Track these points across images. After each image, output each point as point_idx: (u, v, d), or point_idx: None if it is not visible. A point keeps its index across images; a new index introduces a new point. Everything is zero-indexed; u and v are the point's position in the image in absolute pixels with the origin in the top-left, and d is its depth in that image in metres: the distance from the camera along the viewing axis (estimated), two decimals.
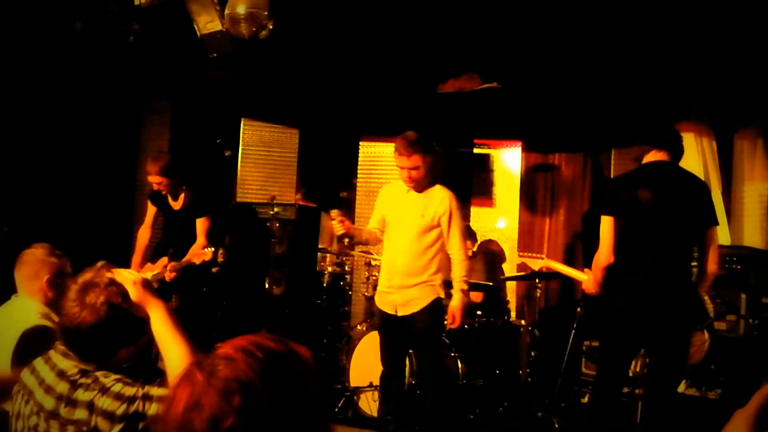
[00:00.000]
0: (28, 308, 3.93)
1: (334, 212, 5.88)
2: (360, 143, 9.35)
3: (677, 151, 5.18)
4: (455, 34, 7.35)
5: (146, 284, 2.83)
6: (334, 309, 8.52)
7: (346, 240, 5.99)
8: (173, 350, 2.72)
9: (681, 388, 5.95)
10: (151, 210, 7.70)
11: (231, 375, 1.58)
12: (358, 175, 9.31)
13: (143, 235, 7.67)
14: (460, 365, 7.01)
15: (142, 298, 2.78)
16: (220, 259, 7.60)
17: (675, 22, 6.58)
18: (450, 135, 9.16)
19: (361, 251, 8.10)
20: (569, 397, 7.39)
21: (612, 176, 8.52)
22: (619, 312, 5.08)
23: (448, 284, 6.01)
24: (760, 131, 7.37)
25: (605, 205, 5.17)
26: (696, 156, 7.53)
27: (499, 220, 9.25)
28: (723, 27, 6.47)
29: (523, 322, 7.74)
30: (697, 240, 5.08)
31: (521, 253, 7.09)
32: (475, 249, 8.08)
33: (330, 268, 8.35)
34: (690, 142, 7.27)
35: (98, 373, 2.66)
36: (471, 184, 9.51)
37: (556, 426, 6.92)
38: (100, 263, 2.87)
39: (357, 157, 9.36)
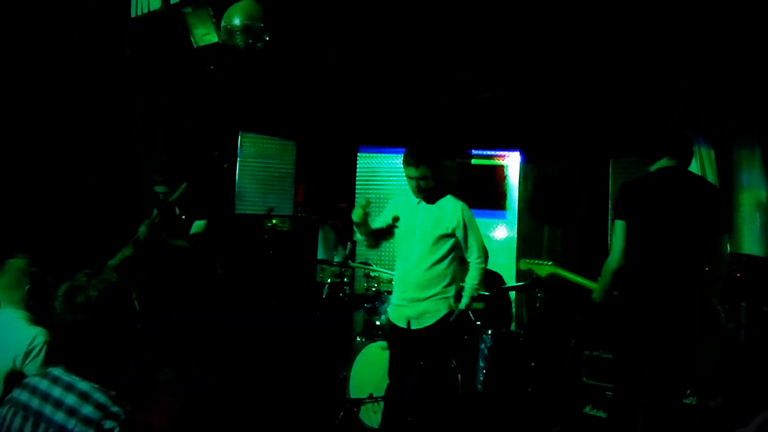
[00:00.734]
0: (18, 316, 3.98)
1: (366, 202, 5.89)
2: (358, 154, 9.34)
3: (688, 157, 5.18)
4: (452, 46, 7.36)
5: None
6: (333, 321, 8.49)
7: (363, 230, 5.92)
8: None
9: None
10: None
11: None
12: (357, 186, 9.30)
13: None
14: (459, 375, 6.99)
15: None
16: (218, 271, 7.59)
17: (673, 33, 6.59)
18: (448, 145, 9.15)
19: (360, 263, 8.08)
20: (570, 408, 7.35)
21: (610, 185, 8.51)
22: (631, 319, 5.07)
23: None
24: (758, 140, 7.36)
25: (618, 209, 5.15)
26: (695, 165, 7.52)
27: (498, 230, 9.23)
28: (721, 37, 6.47)
29: (522, 331, 7.71)
30: (708, 246, 5.06)
31: (527, 260, 7.00)
32: None
33: (329, 280, 8.32)
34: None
35: None
36: (470, 190, 9.51)
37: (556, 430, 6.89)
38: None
39: (355, 167, 9.35)
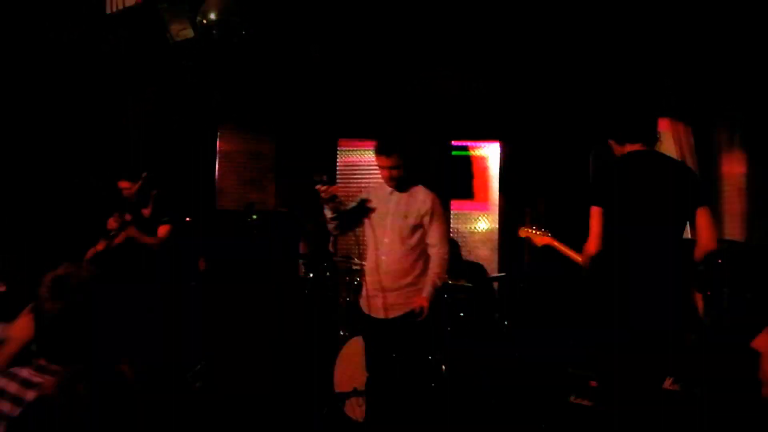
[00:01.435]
0: None
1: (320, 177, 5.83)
2: (338, 148, 9.32)
3: (655, 139, 5.18)
4: (431, 38, 7.36)
5: None
6: (316, 315, 8.46)
7: (331, 205, 5.87)
8: None
9: (665, 383, 5.93)
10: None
11: None
12: (337, 180, 9.27)
13: None
14: (443, 366, 6.98)
15: None
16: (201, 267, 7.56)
17: (652, 18, 6.59)
18: (427, 136, 9.14)
19: (342, 257, 8.06)
20: (555, 398, 7.36)
21: (591, 170, 8.52)
22: (611, 305, 5.08)
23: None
24: (738, 123, 7.38)
25: (592, 196, 5.15)
26: (674, 150, 7.53)
27: (480, 221, 9.23)
28: (700, 21, 6.48)
29: (506, 322, 7.71)
30: (690, 223, 5.06)
31: (524, 229, 6.83)
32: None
33: (311, 275, 8.29)
34: (668, 135, 7.28)
35: None
36: (450, 185, 9.50)
37: (543, 426, 6.89)
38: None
39: (335, 161, 9.33)
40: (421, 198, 5.93)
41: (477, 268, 8.40)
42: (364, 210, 6.12)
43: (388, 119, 9.18)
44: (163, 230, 7.28)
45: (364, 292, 6.17)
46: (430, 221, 5.90)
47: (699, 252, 4.99)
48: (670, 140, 7.41)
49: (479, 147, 9.37)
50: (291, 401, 7.31)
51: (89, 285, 2.73)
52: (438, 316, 6.16)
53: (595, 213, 5.09)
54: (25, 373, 2.65)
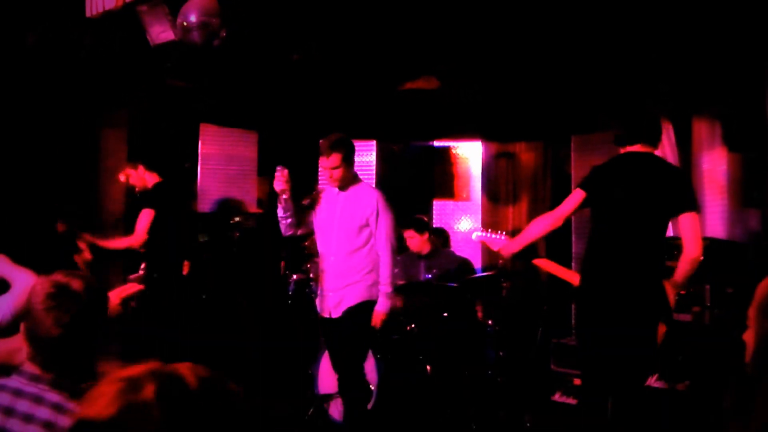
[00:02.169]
0: None
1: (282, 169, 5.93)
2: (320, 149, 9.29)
3: (658, 142, 5.24)
4: (409, 30, 7.35)
5: None
6: (299, 317, 8.45)
7: (284, 200, 5.92)
8: None
9: (649, 380, 5.96)
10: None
11: None
12: (319, 179, 9.25)
13: None
14: (427, 367, 6.99)
15: None
16: (185, 271, 7.55)
17: (631, 15, 6.60)
18: (409, 133, 9.16)
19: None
20: (539, 395, 7.38)
21: (573, 163, 8.56)
22: (593, 304, 5.11)
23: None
24: (718, 116, 7.39)
25: (584, 181, 5.20)
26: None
27: (462, 220, 9.24)
28: (677, 16, 6.50)
29: (490, 321, 7.71)
30: (677, 228, 5.10)
31: (479, 234, 6.71)
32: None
33: (295, 276, 8.28)
34: None
35: None
36: (432, 181, 9.52)
37: (528, 425, 6.91)
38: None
39: (317, 161, 9.30)
40: (366, 198, 6.02)
41: (464, 264, 8.40)
42: (313, 210, 6.22)
43: (370, 119, 9.20)
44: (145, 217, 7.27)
45: (318, 292, 6.28)
46: (376, 222, 5.97)
47: (683, 260, 5.02)
48: None
49: (460, 145, 9.39)
50: (276, 403, 7.30)
51: (91, 294, 2.67)
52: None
53: (575, 194, 5.14)
54: (29, 387, 2.58)
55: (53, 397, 2.55)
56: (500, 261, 5.40)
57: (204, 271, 8.51)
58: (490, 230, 6.07)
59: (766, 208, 6.68)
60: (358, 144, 8.99)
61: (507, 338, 7.51)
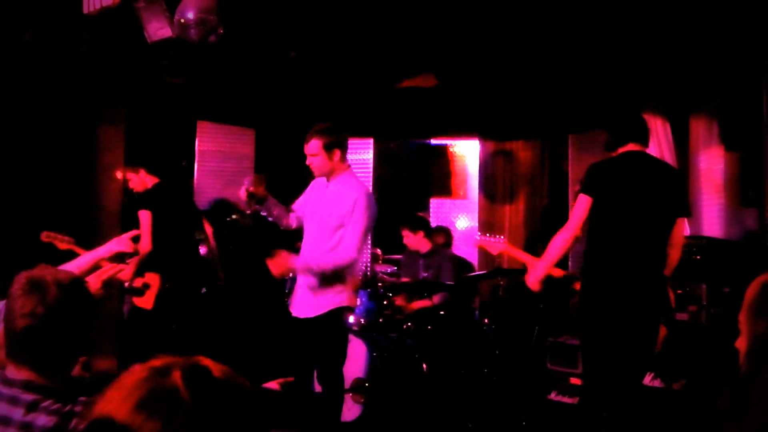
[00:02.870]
0: None
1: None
2: None
3: (648, 140, 5.26)
4: (407, 28, 7.35)
5: None
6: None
7: (253, 204, 5.66)
8: None
9: (645, 380, 5.97)
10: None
11: None
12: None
13: None
14: (423, 366, 6.99)
15: None
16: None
17: (628, 13, 6.61)
18: (406, 131, 9.15)
19: None
20: (535, 394, 7.38)
21: (570, 161, 8.57)
22: (596, 302, 5.12)
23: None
24: (716, 114, 7.40)
25: (586, 185, 5.19)
26: (653, 145, 7.54)
27: (459, 218, 9.24)
28: (673, 14, 6.50)
29: (486, 320, 7.71)
30: (670, 229, 5.13)
31: (479, 238, 6.74)
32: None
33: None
34: None
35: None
36: (430, 179, 9.51)
37: (524, 423, 6.91)
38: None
39: None
40: (347, 197, 5.52)
41: (462, 263, 8.41)
42: (304, 203, 5.94)
43: (367, 117, 9.19)
44: (144, 223, 7.24)
45: (293, 287, 6.02)
46: (349, 220, 5.47)
47: (669, 262, 5.08)
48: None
49: (457, 143, 9.39)
50: (274, 402, 7.28)
51: (70, 286, 2.63)
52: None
53: (584, 201, 5.13)
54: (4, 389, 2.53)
55: (28, 397, 2.51)
56: (496, 262, 5.35)
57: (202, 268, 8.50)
58: (488, 234, 6.08)
59: (763, 207, 6.67)
60: (355, 142, 9.05)
61: (503, 337, 7.51)
